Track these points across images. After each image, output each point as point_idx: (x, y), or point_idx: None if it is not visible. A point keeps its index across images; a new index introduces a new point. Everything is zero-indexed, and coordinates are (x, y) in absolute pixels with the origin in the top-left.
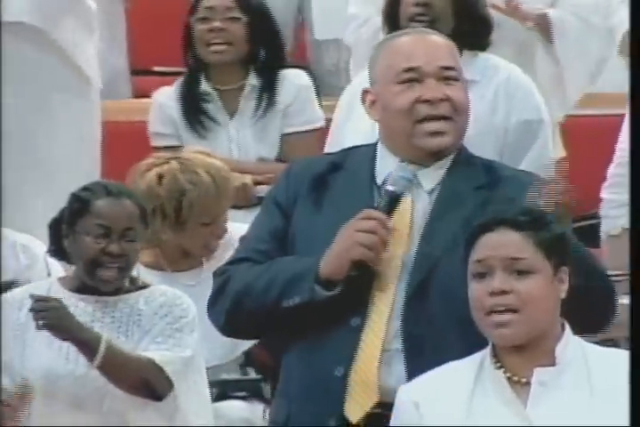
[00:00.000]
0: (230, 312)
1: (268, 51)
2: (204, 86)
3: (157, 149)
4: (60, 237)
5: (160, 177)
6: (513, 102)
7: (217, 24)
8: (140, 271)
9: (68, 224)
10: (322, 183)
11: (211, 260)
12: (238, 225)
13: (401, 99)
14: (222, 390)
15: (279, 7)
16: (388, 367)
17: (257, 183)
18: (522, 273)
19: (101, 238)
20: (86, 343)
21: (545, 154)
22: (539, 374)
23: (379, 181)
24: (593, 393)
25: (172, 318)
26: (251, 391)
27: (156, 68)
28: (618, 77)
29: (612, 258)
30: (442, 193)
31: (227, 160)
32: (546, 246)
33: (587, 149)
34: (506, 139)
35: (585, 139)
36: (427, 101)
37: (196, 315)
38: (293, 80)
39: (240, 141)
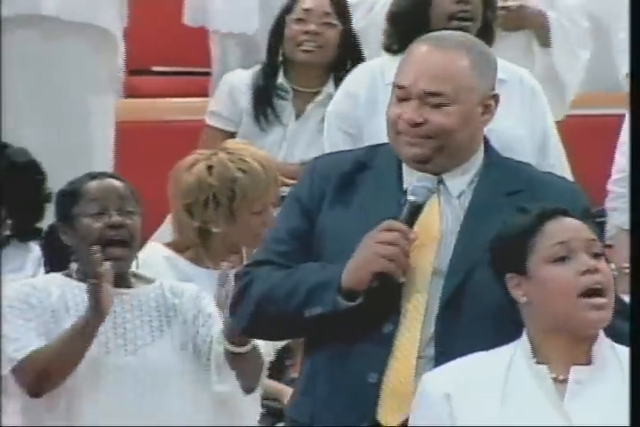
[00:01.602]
0: (254, 315)
1: (352, 61)
2: (282, 81)
3: (209, 127)
4: (54, 249)
5: (210, 168)
6: (542, 105)
7: (313, 27)
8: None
9: (62, 218)
10: (349, 182)
11: None
12: None
13: (391, 110)
14: None
15: None
16: (422, 374)
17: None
18: (596, 256)
19: (100, 215)
20: None
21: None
22: (576, 372)
23: (405, 184)
24: (628, 391)
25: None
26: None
27: (155, 68)
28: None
29: (626, 251)
30: (474, 198)
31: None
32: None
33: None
34: (544, 139)
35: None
36: (404, 120)
37: None
38: None
39: (292, 142)
